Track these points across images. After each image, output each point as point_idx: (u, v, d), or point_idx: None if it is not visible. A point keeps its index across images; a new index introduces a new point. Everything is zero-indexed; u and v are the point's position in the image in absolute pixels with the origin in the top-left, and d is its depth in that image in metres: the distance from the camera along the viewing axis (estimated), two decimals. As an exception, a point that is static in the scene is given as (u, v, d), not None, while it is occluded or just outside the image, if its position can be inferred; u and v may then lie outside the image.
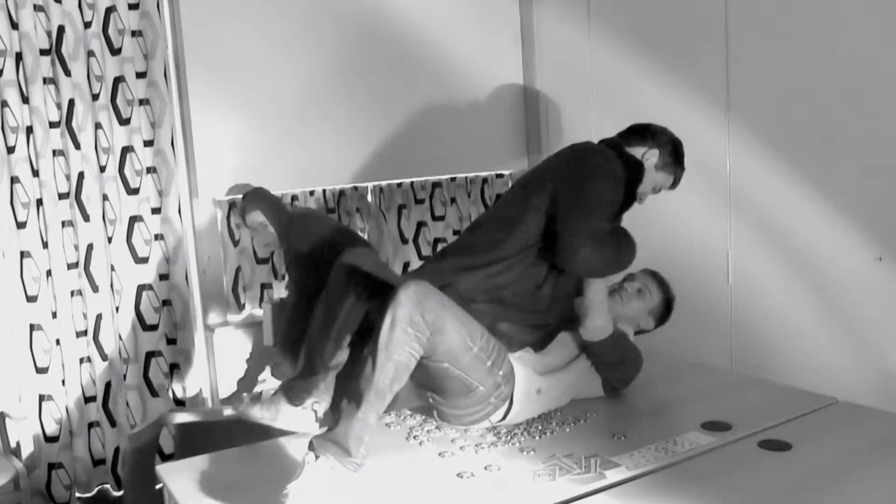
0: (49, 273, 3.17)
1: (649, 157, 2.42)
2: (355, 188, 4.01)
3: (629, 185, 2.35)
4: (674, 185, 2.52)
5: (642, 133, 2.48)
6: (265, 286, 3.76)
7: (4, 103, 3.03)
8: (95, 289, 3.26)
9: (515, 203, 2.34)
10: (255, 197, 3.27)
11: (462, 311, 2.06)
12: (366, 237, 4.12)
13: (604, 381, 2.39)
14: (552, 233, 2.22)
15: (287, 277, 3.43)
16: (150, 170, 3.35)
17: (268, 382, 3.21)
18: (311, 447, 1.77)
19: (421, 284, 1.92)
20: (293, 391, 2.14)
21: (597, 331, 2.29)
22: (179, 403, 3.47)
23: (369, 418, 1.79)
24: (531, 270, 2.27)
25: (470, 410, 2.14)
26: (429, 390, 2.19)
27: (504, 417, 2.19)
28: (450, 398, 2.13)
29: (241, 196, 3.39)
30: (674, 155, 2.46)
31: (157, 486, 2.23)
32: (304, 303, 2.90)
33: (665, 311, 2.54)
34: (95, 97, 3.23)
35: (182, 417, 2.92)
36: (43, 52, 3.10)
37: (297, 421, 2.15)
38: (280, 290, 3.79)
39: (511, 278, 2.26)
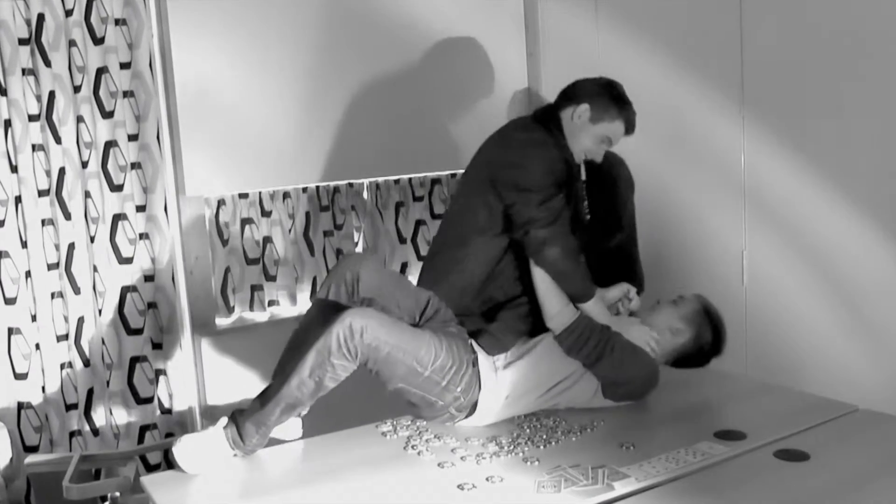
0: (28, 274, 3.09)
1: (581, 113, 2.49)
2: (350, 185, 3.93)
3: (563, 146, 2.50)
4: (627, 129, 2.52)
5: (568, 93, 2.57)
6: (255, 288, 3.67)
7: (-19, 96, 2.94)
8: (77, 291, 3.17)
9: (458, 200, 2.66)
10: None
11: (413, 336, 2.17)
12: (361, 237, 4.05)
13: (602, 385, 2.34)
14: (506, 218, 2.44)
15: None
16: (135, 165, 3.26)
17: None
18: (230, 417, 2.10)
19: (360, 317, 2.05)
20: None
21: (551, 320, 2.33)
22: (166, 412, 3.38)
23: (269, 419, 2.06)
24: (489, 256, 2.48)
25: (433, 415, 2.28)
26: None
27: (468, 416, 2.28)
28: (413, 408, 2.28)
29: None
30: (608, 99, 2.49)
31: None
32: None
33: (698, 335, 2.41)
34: (77, 89, 3.14)
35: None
36: (21, 42, 3.01)
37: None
38: (270, 293, 3.71)
39: (471, 268, 2.47)
